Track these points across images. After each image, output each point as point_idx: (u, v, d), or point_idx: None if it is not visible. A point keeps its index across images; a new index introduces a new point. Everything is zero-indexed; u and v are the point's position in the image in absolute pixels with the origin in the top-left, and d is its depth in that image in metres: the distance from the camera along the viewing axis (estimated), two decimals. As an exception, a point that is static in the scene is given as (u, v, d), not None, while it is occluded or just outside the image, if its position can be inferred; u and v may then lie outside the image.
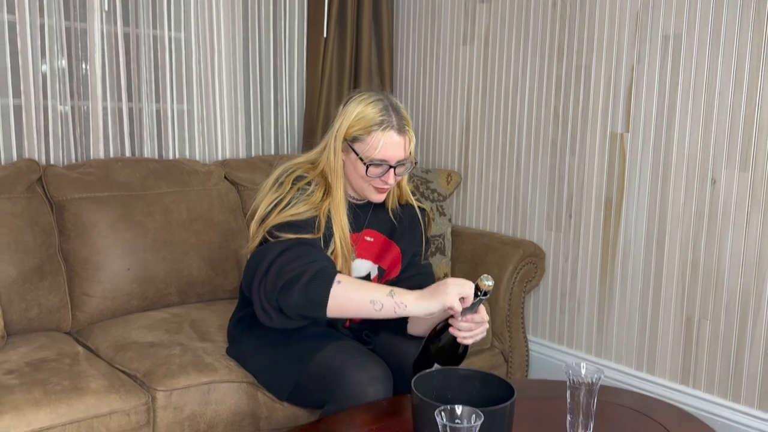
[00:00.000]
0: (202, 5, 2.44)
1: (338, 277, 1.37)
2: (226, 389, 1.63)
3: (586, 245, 2.33)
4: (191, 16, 2.43)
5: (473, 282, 1.33)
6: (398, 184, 1.65)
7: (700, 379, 2.08)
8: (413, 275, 1.68)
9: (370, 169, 1.49)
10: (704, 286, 2.04)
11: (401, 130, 1.49)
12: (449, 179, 2.60)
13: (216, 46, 2.49)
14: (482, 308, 1.36)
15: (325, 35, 2.68)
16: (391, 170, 1.50)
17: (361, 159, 1.48)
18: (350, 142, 1.51)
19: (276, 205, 1.48)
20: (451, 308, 1.32)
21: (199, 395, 1.60)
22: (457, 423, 0.90)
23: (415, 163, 1.57)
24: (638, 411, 1.47)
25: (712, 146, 2.00)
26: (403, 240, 1.67)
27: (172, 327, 1.89)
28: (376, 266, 1.66)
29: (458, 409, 0.93)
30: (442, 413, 0.90)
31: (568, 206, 2.37)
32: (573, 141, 2.34)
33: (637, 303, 2.21)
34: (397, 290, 1.35)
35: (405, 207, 1.69)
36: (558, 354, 2.42)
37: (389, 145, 1.47)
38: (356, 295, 1.34)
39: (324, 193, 1.53)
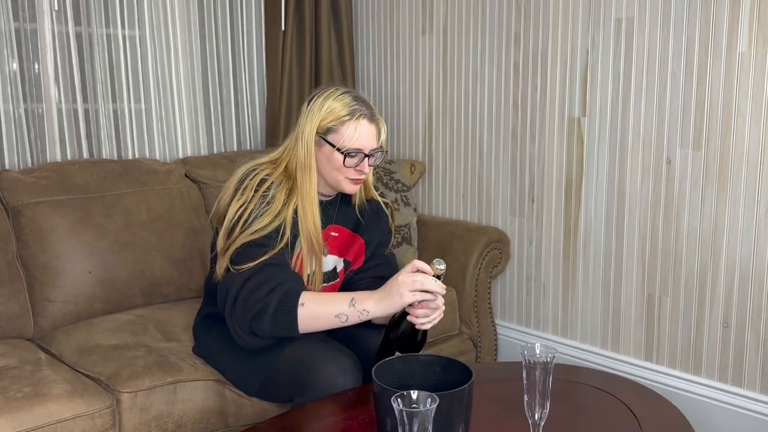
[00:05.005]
0: (156, 2, 2.41)
1: (301, 298, 1.41)
2: (193, 388, 1.63)
3: (548, 229, 2.37)
4: (145, 13, 2.39)
5: (427, 264, 1.37)
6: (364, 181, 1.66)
7: (663, 355, 2.13)
8: (376, 265, 1.72)
9: (347, 159, 1.51)
10: (663, 263, 2.09)
11: (372, 118, 1.54)
12: (413, 169, 2.62)
13: (172, 43, 2.46)
14: None
15: (283, 28, 2.66)
16: (366, 159, 1.53)
17: (338, 149, 1.50)
18: (323, 135, 1.52)
19: (240, 217, 1.48)
20: (411, 305, 1.37)
21: (165, 395, 1.59)
22: (414, 408, 0.91)
23: (386, 152, 1.60)
24: (599, 388, 1.50)
25: (666, 127, 2.04)
26: (368, 232, 1.70)
27: (137, 329, 1.87)
28: (342, 259, 1.68)
29: (414, 394, 0.94)
30: (399, 399, 0.91)
31: (530, 191, 2.40)
32: (532, 127, 2.37)
33: (599, 283, 2.25)
34: (357, 297, 1.41)
35: (369, 201, 1.71)
36: (526, 337, 2.46)
37: (363, 133, 1.50)
38: (321, 312, 1.42)
39: (287, 194, 1.53)
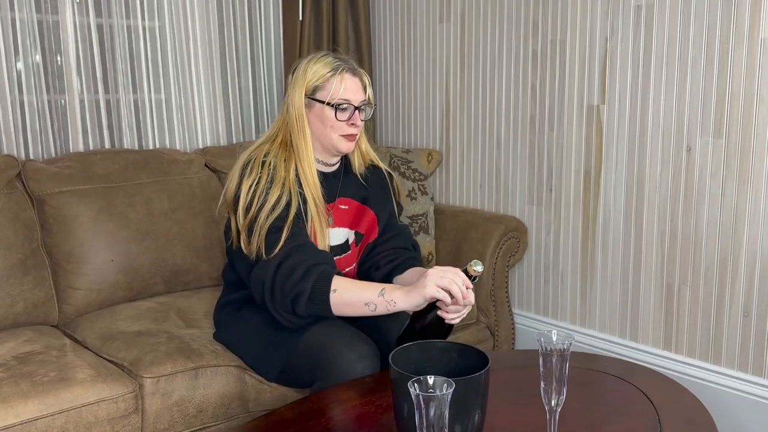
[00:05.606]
0: (175, -7, 2.43)
1: (333, 284, 1.45)
2: (213, 373, 1.66)
3: (567, 218, 2.36)
4: (164, 5, 2.41)
5: (461, 268, 1.40)
6: (359, 146, 1.70)
7: (682, 344, 2.12)
8: (392, 237, 1.76)
9: (339, 113, 1.56)
10: (683, 253, 2.07)
11: (354, 71, 1.61)
12: (430, 158, 2.62)
13: (191, 34, 2.48)
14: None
15: (300, 18, 2.67)
16: (357, 112, 1.58)
17: (328, 104, 1.56)
18: (311, 95, 1.58)
19: (254, 194, 1.51)
20: (434, 298, 1.39)
21: (187, 380, 1.62)
22: (430, 392, 0.92)
23: (374, 105, 1.67)
24: (617, 376, 1.50)
25: (686, 114, 2.02)
26: (377, 204, 1.74)
27: (159, 316, 1.90)
28: (353, 232, 1.71)
29: (431, 379, 0.95)
30: (416, 384, 0.92)
31: (548, 180, 2.39)
32: (551, 115, 2.35)
33: (618, 272, 2.24)
34: (387, 288, 1.44)
35: (373, 171, 1.75)
36: (543, 326, 2.46)
37: (349, 86, 1.57)
38: (351, 299, 1.45)
39: (285, 161, 1.57)
